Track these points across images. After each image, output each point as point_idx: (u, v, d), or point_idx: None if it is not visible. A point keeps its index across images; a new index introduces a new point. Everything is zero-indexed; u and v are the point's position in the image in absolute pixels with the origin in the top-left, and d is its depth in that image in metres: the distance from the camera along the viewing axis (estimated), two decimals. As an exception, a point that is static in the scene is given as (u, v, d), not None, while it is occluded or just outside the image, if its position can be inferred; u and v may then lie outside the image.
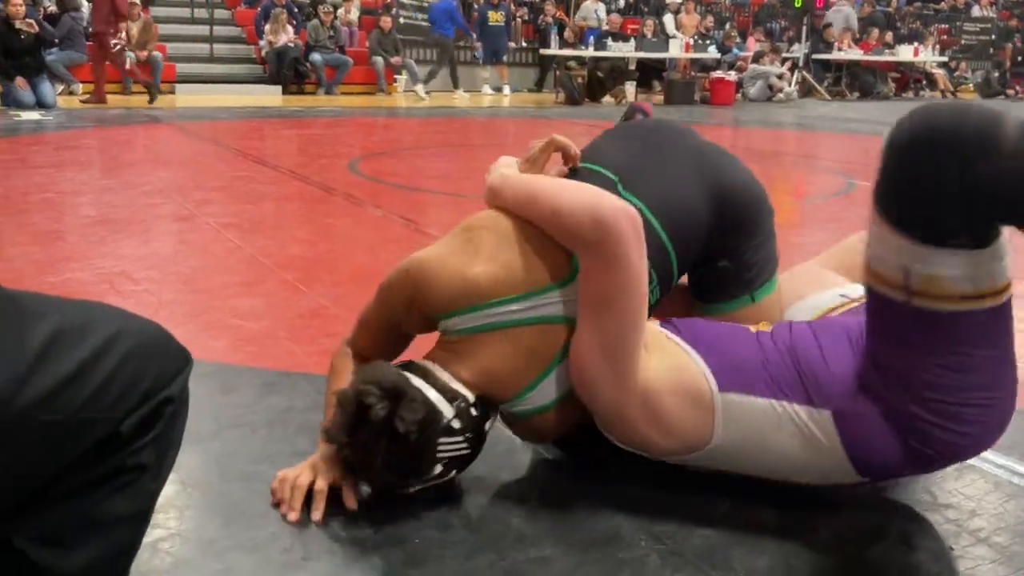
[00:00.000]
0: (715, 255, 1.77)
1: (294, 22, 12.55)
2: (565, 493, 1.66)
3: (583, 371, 1.53)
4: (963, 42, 16.97)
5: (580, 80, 12.61)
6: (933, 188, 1.26)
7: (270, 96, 11.48)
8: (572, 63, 12.80)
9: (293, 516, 1.52)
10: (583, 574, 1.41)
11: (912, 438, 1.42)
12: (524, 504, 1.61)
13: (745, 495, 1.63)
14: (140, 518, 1.04)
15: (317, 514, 1.52)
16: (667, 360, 1.54)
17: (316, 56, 12.19)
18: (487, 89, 13.32)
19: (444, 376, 1.54)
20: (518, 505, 1.61)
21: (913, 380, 1.39)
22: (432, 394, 1.50)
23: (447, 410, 1.50)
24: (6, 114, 8.46)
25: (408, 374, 1.52)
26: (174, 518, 1.55)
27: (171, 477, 1.64)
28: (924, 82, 15.74)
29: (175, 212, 4.22)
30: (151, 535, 1.47)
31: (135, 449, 0.93)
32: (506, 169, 1.72)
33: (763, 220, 1.79)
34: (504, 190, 1.64)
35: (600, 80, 12.83)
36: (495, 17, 13.30)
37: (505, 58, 13.70)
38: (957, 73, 16.57)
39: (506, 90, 13.40)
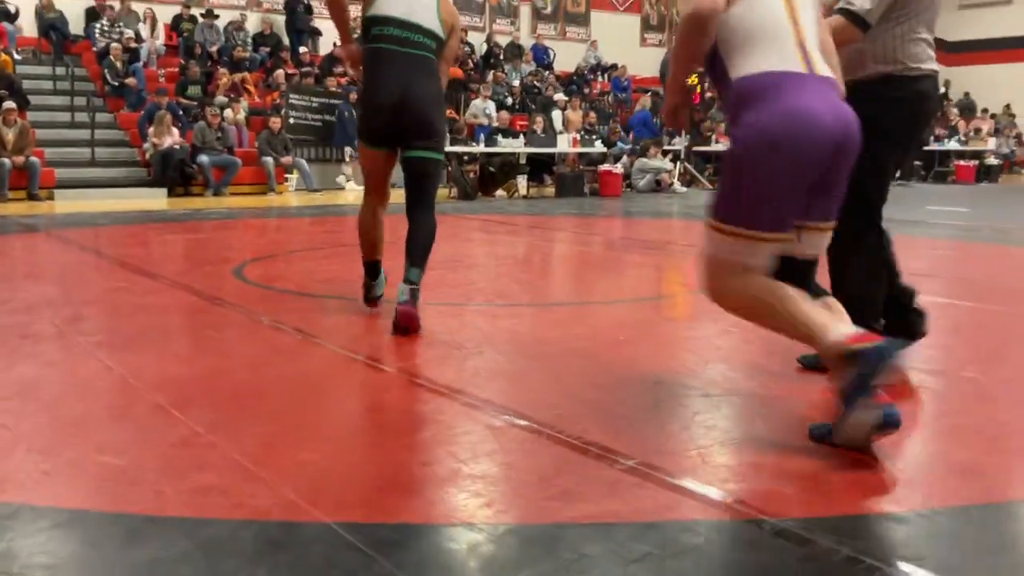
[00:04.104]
0: None
1: (179, 124, 12.37)
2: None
3: None
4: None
5: (472, 175, 12.77)
6: None
7: (155, 199, 11.20)
8: (464, 159, 12.95)
9: None
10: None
11: None
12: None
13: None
14: None
15: None
16: None
17: (203, 158, 12.00)
18: (351, 185, 13.31)
19: None
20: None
21: None
22: None
23: None
24: None
25: None
26: None
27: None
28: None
29: (42, 331, 3.95)
30: None
31: None
32: None
33: None
34: None
35: (492, 175, 13.02)
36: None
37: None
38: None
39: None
